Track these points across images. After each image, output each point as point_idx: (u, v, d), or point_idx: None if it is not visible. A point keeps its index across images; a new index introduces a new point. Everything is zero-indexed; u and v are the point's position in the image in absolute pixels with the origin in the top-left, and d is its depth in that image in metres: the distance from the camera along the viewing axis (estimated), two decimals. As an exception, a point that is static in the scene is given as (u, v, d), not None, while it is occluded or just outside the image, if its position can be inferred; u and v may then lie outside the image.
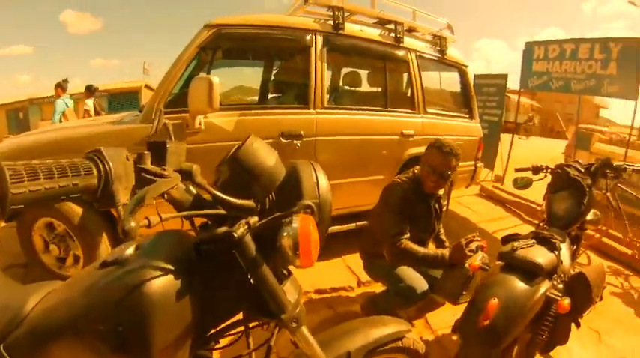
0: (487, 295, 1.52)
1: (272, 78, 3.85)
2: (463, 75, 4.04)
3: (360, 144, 3.15)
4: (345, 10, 3.06)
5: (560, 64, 5.40)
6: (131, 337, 0.80)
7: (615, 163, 2.91)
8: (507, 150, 6.49)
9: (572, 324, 1.68)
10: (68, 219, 2.33)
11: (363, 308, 2.42)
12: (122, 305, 0.78)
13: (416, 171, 2.30)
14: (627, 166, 2.81)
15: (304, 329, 0.97)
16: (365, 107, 3.32)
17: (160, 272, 0.82)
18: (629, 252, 3.99)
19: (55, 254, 2.55)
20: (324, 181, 1.02)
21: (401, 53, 3.46)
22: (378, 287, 2.57)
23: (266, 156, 0.98)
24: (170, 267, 0.83)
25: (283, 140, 2.73)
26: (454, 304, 1.97)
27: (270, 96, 3.85)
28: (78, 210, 2.31)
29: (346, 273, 3.01)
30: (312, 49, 2.92)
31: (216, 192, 0.88)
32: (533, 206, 5.19)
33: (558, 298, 1.55)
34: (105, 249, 2.42)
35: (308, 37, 2.92)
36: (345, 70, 3.96)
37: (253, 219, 0.89)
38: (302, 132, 2.81)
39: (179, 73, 2.46)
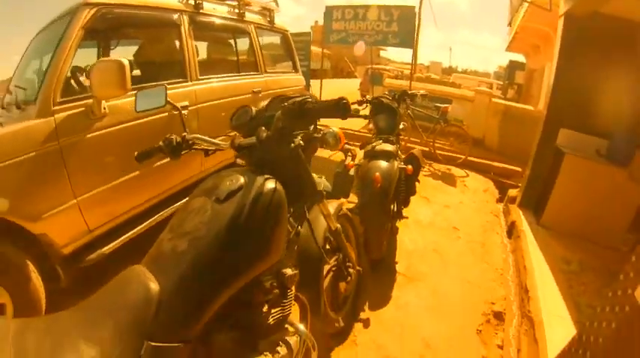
0: (371, 173, 2.46)
1: (152, 57, 3.76)
2: (286, 38, 4.71)
3: (226, 105, 3.40)
4: None
5: (355, 23, 6.88)
6: (276, 232, 1.10)
7: (410, 92, 4.26)
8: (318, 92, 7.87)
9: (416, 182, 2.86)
10: None
11: None
12: (270, 210, 1.07)
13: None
14: (416, 93, 4.17)
15: (325, 200, 1.47)
16: (225, 74, 3.62)
17: (273, 180, 1.13)
18: (427, 148, 5.75)
19: None
20: None
21: (244, 26, 3.91)
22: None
23: None
24: (271, 176, 1.14)
25: (174, 112, 2.85)
26: (346, 198, 2.89)
27: (154, 73, 3.65)
28: None
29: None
30: (182, 27, 3.08)
31: None
32: (350, 131, 6.64)
33: (406, 167, 2.65)
34: (37, 281, 1.99)
35: (177, 17, 3.05)
36: (205, 44, 4.24)
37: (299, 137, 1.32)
38: (187, 103, 2.97)
39: (70, 57, 2.20)
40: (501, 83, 20.06)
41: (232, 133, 1.48)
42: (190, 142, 1.43)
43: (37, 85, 2.22)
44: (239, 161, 1.37)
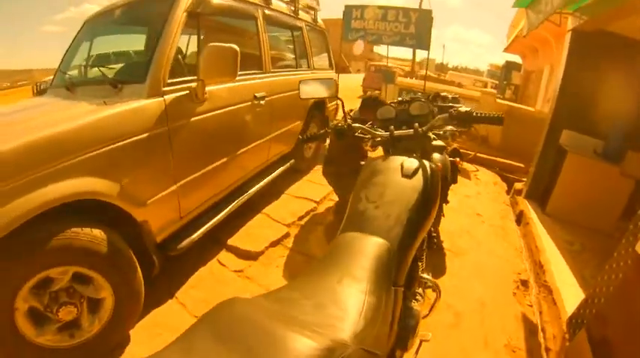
0: (434, 163, 2.96)
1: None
2: (325, 37, 5.05)
3: (289, 98, 3.59)
4: None
5: (374, 23, 7.31)
6: (439, 198, 1.44)
7: (442, 94, 4.78)
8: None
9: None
10: (89, 251, 1.60)
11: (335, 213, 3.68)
12: (438, 182, 1.42)
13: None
14: (447, 96, 4.70)
15: None
16: (288, 69, 3.89)
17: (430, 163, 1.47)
18: (441, 145, 6.34)
19: (60, 321, 1.66)
20: None
21: (299, 23, 4.16)
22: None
23: None
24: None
25: (255, 102, 2.95)
26: None
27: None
28: (99, 234, 1.65)
29: (300, 203, 4.05)
30: (259, 21, 3.19)
31: None
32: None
33: (455, 159, 3.19)
34: (140, 274, 1.88)
35: (254, 10, 3.15)
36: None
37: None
38: (264, 93, 3.08)
39: (177, 38, 2.16)
40: (496, 82, 20.74)
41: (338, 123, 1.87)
42: (354, 131, 1.79)
43: (138, 66, 2.23)
44: (371, 151, 1.79)
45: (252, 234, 3.06)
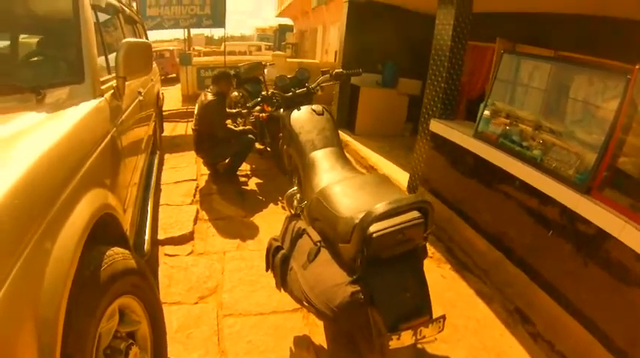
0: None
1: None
2: (144, 28, 4.93)
3: (150, 92, 3.53)
4: None
5: (169, 9, 7.43)
6: None
7: (263, 63, 5.67)
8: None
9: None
10: (127, 270, 1.34)
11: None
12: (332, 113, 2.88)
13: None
14: (267, 64, 5.63)
15: None
16: None
17: None
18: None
19: None
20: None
21: (135, 17, 4.09)
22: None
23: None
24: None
25: (140, 97, 2.77)
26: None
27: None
28: (119, 250, 1.36)
29: (184, 186, 4.48)
30: (120, 15, 2.95)
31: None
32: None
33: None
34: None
35: (116, 5, 2.84)
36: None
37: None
38: (141, 88, 2.94)
39: (94, 36, 1.89)
40: (270, 44, 22.27)
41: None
42: (274, 96, 2.51)
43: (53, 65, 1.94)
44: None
45: (172, 224, 3.20)
